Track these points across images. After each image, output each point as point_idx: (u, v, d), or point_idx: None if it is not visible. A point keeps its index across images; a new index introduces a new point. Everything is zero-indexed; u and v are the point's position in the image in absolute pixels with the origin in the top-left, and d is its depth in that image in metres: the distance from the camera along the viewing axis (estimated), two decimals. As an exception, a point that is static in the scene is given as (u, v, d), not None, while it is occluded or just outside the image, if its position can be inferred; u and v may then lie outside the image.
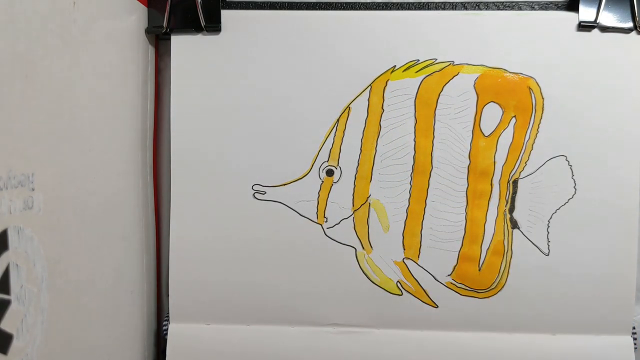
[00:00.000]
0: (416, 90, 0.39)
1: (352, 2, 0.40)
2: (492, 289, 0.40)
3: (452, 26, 0.39)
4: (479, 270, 0.40)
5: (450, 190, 0.40)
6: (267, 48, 0.40)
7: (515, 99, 0.39)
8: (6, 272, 0.25)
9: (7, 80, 0.25)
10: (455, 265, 0.40)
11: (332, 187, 0.40)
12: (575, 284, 0.39)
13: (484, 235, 0.40)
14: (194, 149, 0.40)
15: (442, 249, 0.40)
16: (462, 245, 0.40)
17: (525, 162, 0.39)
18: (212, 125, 0.40)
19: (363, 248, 0.40)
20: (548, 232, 0.40)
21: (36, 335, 0.27)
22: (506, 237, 0.40)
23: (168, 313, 0.41)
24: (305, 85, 0.40)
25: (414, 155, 0.40)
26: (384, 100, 0.40)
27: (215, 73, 0.40)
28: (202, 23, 0.39)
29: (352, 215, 0.40)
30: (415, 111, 0.40)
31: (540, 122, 0.39)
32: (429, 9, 0.40)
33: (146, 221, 0.41)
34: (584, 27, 0.39)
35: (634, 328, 0.40)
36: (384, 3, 0.40)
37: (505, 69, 0.39)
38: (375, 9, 0.40)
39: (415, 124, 0.40)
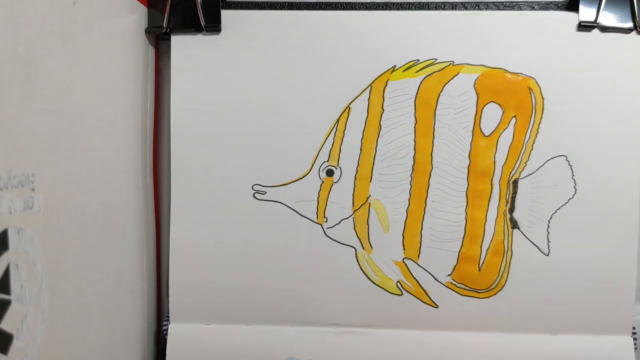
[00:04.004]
0: (416, 90, 0.39)
1: (352, 2, 0.40)
2: (492, 289, 0.40)
3: (452, 26, 0.39)
4: (479, 270, 0.40)
5: (450, 190, 0.40)
6: (267, 48, 0.40)
7: (516, 99, 0.39)
8: (6, 272, 0.25)
9: (7, 80, 0.25)
10: (455, 265, 0.40)
11: (332, 187, 0.40)
12: (575, 284, 0.40)
13: (484, 235, 0.40)
14: (194, 148, 0.40)
15: (442, 249, 0.40)
16: (462, 245, 0.40)
17: (525, 162, 0.39)
18: (212, 125, 0.40)
19: (363, 248, 0.40)
20: (548, 232, 0.40)
21: (36, 335, 0.27)
22: (506, 237, 0.40)
23: (168, 313, 0.41)
24: (305, 85, 0.40)
25: (414, 155, 0.40)
26: (384, 100, 0.40)
27: (215, 73, 0.40)
28: (202, 23, 0.39)
29: (352, 215, 0.40)
30: (415, 111, 0.40)
31: (540, 122, 0.39)
32: (429, 9, 0.40)
33: (146, 221, 0.41)
34: (584, 27, 0.39)
35: (634, 328, 0.40)
36: (384, 3, 0.40)
37: (505, 69, 0.39)
38: (375, 9, 0.40)
39: (415, 124, 0.40)
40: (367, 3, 0.40)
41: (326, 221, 0.40)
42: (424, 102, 0.39)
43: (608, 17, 0.39)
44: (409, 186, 0.40)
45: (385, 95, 0.40)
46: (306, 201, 0.40)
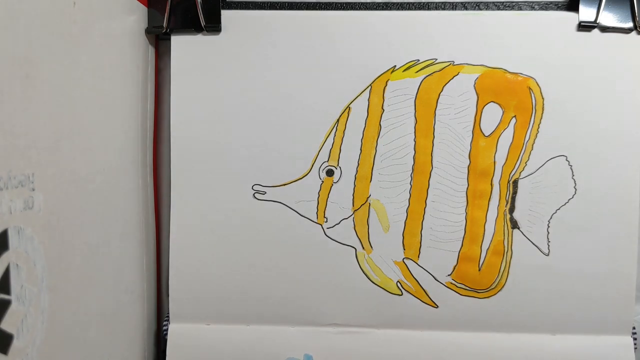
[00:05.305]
0: (416, 90, 0.39)
1: (352, 2, 0.40)
2: (492, 289, 0.40)
3: (452, 26, 0.39)
4: (479, 270, 0.40)
5: (450, 190, 0.40)
6: (267, 48, 0.40)
7: (516, 99, 0.39)
8: (6, 272, 0.25)
9: (7, 80, 0.25)
10: (455, 265, 0.40)
11: (332, 187, 0.40)
12: (575, 284, 0.40)
13: (484, 235, 0.40)
14: (194, 149, 0.40)
15: (442, 249, 0.40)
16: (462, 245, 0.40)
17: (526, 162, 0.40)
18: (212, 126, 0.40)
19: (363, 248, 0.40)
20: (548, 232, 0.40)
21: (36, 335, 0.27)
22: (506, 237, 0.40)
23: (168, 313, 0.41)
24: (305, 85, 0.40)
25: (414, 155, 0.40)
26: (384, 100, 0.40)
27: (215, 73, 0.40)
28: (202, 23, 0.39)
29: (352, 215, 0.40)
30: (415, 111, 0.40)
31: (540, 122, 0.39)
32: (429, 9, 0.40)
33: (146, 221, 0.41)
34: (584, 27, 0.39)
35: (634, 328, 0.40)
36: (384, 3, 0.40)
37: (505, 69, 0.39)
38: (375, 9, 0.40)
39: (415, 124, 0.40)
40: (367, 3, 0.40)
41: (326, 221, 0.40)
42: (424, 102, 0.39)
43: (608, 17, 0.39)
44: (409, 186, 0.40)
45: (385, 95, 0.40)
46: (306, 201, 0.40)
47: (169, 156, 0.40)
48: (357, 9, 0.40)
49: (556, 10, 0.39)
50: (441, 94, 0.39)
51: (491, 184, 0.40)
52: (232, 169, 0.40)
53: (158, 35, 0.41)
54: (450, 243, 0.40)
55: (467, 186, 0.40)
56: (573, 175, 0.39)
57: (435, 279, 0.40)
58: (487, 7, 0.40)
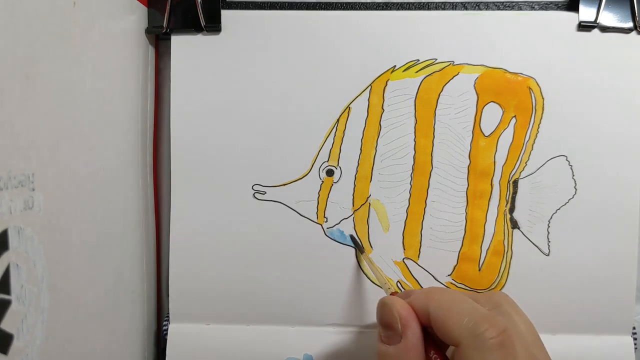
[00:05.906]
0: (416, 90, 0.39)
1: (352, 2, 0.40)
2: (492, 289, 0.40)
3: (452, 26, 0.39)
4: (479, 270, 0.40)
5: (450, 190, 0.40)
6: (267, 48, 0.40)
7: (516, 99, 0.39)
8: (6, 272, 0.25)
9: (7, 80, 0.25)
10: (455, 266, 0.40)
11: (332, 187, 0.40)
12: (576, 284, 0.40)
13: (484, 235, 0.40)
14: (194, 149, 0.40)
15: (442, 249, 0.40)
16: (462, 245, 0.40)
17: (526, 162, 0.40)
18: (212, 125, 0.40)
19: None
20: (548, 232, 0.40)
21: (36, 335, 0.27)
22: (506, 237, 0.40)
23: (168, 313, 0.41)
24: (305, 85, 0.40)
25: (414, 155, 0.40)
26: (384, 100, 0.40)
27: (215, 73, 0.40)
28: (202, 23, 0.39)
29: (352, 215, 0.40)
30: (415, 111, 0.40)
31: (540, 122, 0.39)
32: (429, 9, 0.40)
33: (146, 221, 0.41)
34: (584, 27, 0.39)
35: (634, 328, 0.40)
36: (384, 3, 0.40)
37: (505, 69, 0.39)
38: (375, 9, 0.40)
39: (415, 124, 0.40)
40: (367, 3, 0.40)
41: (326, 221, 0.40)
42: (424, 102, 0.39)
43: (608, 17, 0.39)
44: (409, 186, 0.40)
45: (385, 95, 0.40)
46: (306, 201, 0.40)
47: (169, 156, 0.40)
48: (357, 9, 0.40)
49: (556, 10, 0.39)
50: (441, 94, 0.39)
51: (491, 184, 0.40)
52: (232, 169, 0.40)
53: (158, 35, 0.41)
54: (450, 243, 0.40)
55: (467, 186, 0.40)
56: (573, 175, 0.39)
57: (436, 279, 0.40)
58: (487, 7, 0.40)
